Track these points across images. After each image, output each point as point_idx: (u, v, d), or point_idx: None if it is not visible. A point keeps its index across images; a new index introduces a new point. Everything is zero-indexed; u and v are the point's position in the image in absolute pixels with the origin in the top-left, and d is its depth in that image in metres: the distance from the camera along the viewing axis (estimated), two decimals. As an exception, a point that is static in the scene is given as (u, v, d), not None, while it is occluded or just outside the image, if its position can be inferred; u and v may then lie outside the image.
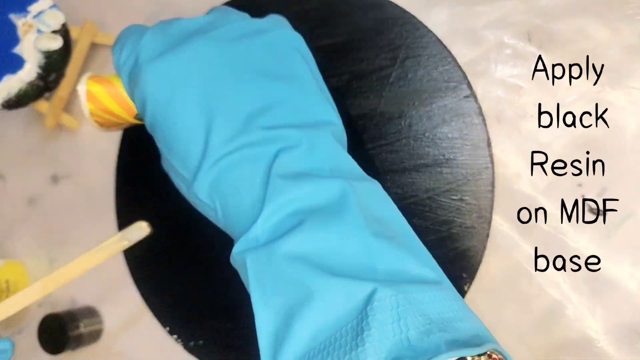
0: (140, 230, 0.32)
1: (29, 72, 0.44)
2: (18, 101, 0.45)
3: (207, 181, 0.24)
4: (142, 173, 0.43)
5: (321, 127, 0.25)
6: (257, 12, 0.40)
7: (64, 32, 0.45)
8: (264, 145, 0.24)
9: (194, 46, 0.26)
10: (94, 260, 0.30)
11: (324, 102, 0.27)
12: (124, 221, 0.44)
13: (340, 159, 0.25)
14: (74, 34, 0.46)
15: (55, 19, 0.44)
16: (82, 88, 0.29)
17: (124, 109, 0.29)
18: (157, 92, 0.25)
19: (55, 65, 0.45)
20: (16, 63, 0.44)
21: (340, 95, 0.38)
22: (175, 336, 0.41)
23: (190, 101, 0.25)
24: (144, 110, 0.27)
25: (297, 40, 0.29)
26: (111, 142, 0.45)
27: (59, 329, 0.44)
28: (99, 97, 0.29)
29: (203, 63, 0.25)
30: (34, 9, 0.44)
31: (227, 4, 0.41)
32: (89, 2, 0.50)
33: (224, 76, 0.25)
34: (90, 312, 0.47)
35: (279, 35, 0.28)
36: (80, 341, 0.45)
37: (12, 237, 0.52)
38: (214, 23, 0.27)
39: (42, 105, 0.47)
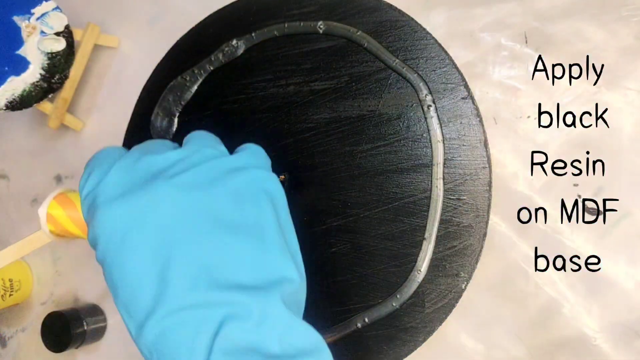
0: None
1: (32, 74, 0.45)
2: (22, 102, 0.45)
3: (152, 335, 0.23)
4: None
5: (275, 287, 0.24)
6: (256, 16, 0.41)
7: (67, 34, 0.45)
8: (211, 308, 0.23)
9: (153, 192, 0.25)
10: (21, 252, 0.31)
11: (283, 257, 0.26)
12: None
13: (291, 330, 0.23)
14: (77, 36, 0.47)
15: (59, 21, 0.45)
16: (42, 212, 0.30)
17: (83, 232, 0.30)
18: (109, 234, 0.24)
19: (58, 67, 0.45)
20: (20, 65, 0.44)
21: (340, 97, 0.38)
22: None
23: (142, 248, 0.24)
24: (94, 248, 0.26)
25: (268, 182, 0.28)
26: (114, 142, 0.46)
27: (63, 326, 0.44)
28: (60, 220, 0.29)
29: (160, 210, 0.24)
30: (37, 11, 0.44)
31: (229, 5, 0.42)
32: (92, 5, 0.50)
33: (180, 226, 0.24)
34: (94, 310, 0.47)
35: (250, 177, 0.27)
36: (83, 339, 0.46)
37: (16, 237, 0.52)
38: (184, 162, 0.26)
39: (45, 106, 0.47)
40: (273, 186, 0.28)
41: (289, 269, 0.25)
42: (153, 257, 0.24)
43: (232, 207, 0.25)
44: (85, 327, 0.46)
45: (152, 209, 0.24)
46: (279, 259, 0.25)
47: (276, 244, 0.26)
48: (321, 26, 0.39)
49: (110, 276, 0.25)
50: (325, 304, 0.37)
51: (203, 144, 0.28)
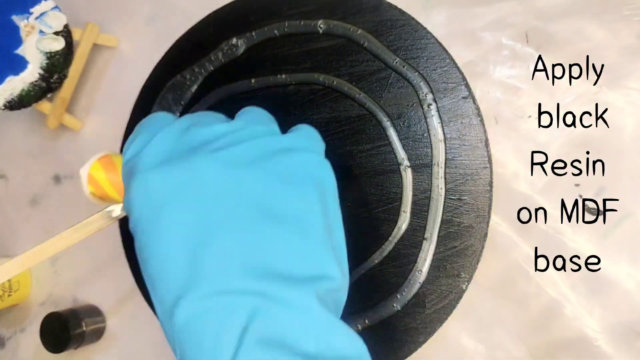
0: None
1: (31, 73, 0.44)
2: (20, 102, 0.45)
3: (182, 317, 0.21)
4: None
5: (314, 283, 0.22)
6: (256, 15, 0.40)
7: (66, 33, 0.45)
8: (244, 297, 0.21)
9: (194, 164, 0.23)
10: (77, 236, 0.30)
11: (325, 251, 0.24)
12: (126, 221, 0.44)
13: (331, 331, 0.22)
14: (76, 35, 0.47)
15: (58, 21, 0.45)
16: (84, 172, 0.29)
17: (119, 191, 0.29)
18: (144, 203, 0.23)
19: (57, 67, 0.45)
20: (19, 64, 0.44)
21: (340, 97, 0.38)
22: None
23: (178, 223, 0.22)
24: (129, 215, 0.24)
25: (319, 168, 0.25)
26: (113, 142, 0.46)
27: (62, 327, 0.44)
28: (101, 183, 0.29)
29: (200, 185, 0.23)
30: (36, 10, 0.44)
31: (228, 4, 0.41)
32: (91, 4, 0.50)
33: (219, 204, 0.23)
34: (93, 311, 0.47)
35: (300, 161, 0.25)
36: (82, 340, 0.45)
37: (15, 237, 0.52)
38: (231, 136, 0.25)
39: (44, 106, 0.47)
40: (324, 173, 0.26)
41: (330, 265, 0.23)
42: (188, 234, 0.22)
43: (277, 191, 0.24)
44: (84, 328, 0.45)
45: (191, 182, 0.23)
46: (321, 254, 0.24)
47: (319, 237, 0.24)
48: (321, 25, 0.38)
49: (140, 247, 0.23)
50: (326, 305, 0.37)
51: (254, 119, 0.26)
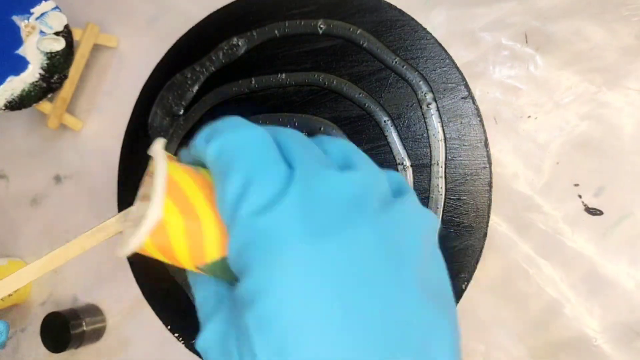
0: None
1: (31, 73, 0.44)
2: (21, 102, 0.45)
3: None
4: (144, 173, 0.43)
5: None
6: (255, 16, 0.40)
7: (66, 33, 0.45)
8: None
9: (358, 235, 0.17)
10: (92, 241, 0.26)
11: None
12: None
13: None
14: (76, 35, 0.47)
15: (58, 21, 0.45)
16: (157, 210, 0.18)
17: (193, 255, 0.19)
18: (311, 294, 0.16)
19: (57, 67, 0.45)
20: (19, 64, 0.44)
21: (339, 96, 0.38)
22: (176, 334, 0.41)
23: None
24: (258, 293, 0.16)
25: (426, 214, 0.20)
26: (114, 142, 0.46)
27: (62, 327, 0.44)
28: (170, 234, 0.18)
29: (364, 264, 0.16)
30: (36, 10, 0.44)
31: (229, 4, 0.42)
32: (91, 5, 0.50)
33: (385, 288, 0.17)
34: (93, 311, 0.47)
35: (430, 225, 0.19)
36: (82, 339, 0.45)
37: (16, 237, 0.52)
38: (369, 190, 0.18)
39: (44, 106, 0.47)
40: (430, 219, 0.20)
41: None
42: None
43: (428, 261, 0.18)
44: (85, 328, 0.45)
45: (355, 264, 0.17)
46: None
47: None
48: (321, 25, 0.38)
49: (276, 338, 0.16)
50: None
51: (367, 160, 0.19)
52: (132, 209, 0.22)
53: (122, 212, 0.23)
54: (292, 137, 0.19)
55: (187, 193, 0.18)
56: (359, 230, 0.17)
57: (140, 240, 0.18)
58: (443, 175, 0.35)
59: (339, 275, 0.16)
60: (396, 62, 0.36)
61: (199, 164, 0.20)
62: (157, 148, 0.19)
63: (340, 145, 0.20)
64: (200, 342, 0.19)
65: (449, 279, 0.19)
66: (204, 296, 0.21)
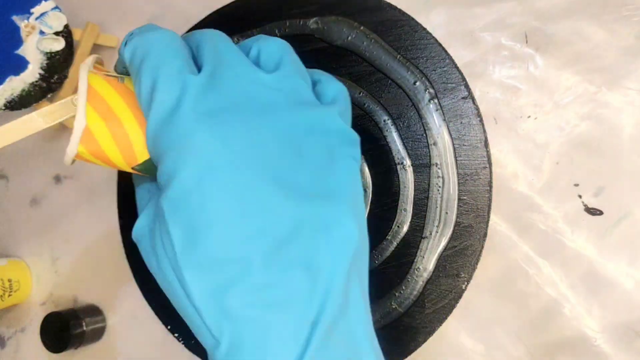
0: (66, 107, 0.23)
1: (31, 73, 0.44)
2: (21, 102, 0.45)
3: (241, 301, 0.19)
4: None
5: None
6: (256, 15, 0.40)
7: (66, 33, 0.45)
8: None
9: (262, 122, 0.20)
10: (11, 136, 0.24)
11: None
12: (126, 221, 0.45)
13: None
14: (76, 35, 0.47)
15: (58, 21, 0.45)
16: (80, 119, 0.20)
17: (125, 156, 0.21)
18: (215, 164, 0.18)
19: (57, 67, 0.45)
20: (19, 64, 0.44)
21: (340, 96, 0.38)
22: (176, 334, 0.41)
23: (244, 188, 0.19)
24: (169, 180, 0.19)
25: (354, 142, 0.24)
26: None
27: (62, 327, 0.44)
28: (98, 139, 0.20)
29: (262, 146, 0.19)
30: (36, 10, 0.44)
31: (229, 4, 0.42)
32: (91, 4, 0.50)
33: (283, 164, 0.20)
34: (93, 311, 0.47)
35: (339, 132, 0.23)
36: (82, 339, 0.45)
37: (15, 237, 0.52)
38: (280, 92, 0.21)
39: (44, 106, 0.47)
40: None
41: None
42: (247, 204, 0.19)
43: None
44: (85, 328, 0.45)
45: (258, 143, 0.19)
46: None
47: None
48: (321, 25, 0.38)
49: (189, 219, 0.19)
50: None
51: (295, 69, 0.23)
52: (48, 108, 0.23)
53: (41, 109, 0.23)
54: (211, 38, 0.22)
55: (107, 100, 0.20)
56: (258, 120, 0.19)
57: (73, 148, 0.20)
58: (442, 175, 0.35)
59: (240, 156, 0.19)
60: (396, 62, 0.36)
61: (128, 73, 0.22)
62: (84, 63, 0.21)
63: (274, 46, 0.23)
64: (133, 233, 0.21)
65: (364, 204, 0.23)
66: (140, 194, 0.24)
